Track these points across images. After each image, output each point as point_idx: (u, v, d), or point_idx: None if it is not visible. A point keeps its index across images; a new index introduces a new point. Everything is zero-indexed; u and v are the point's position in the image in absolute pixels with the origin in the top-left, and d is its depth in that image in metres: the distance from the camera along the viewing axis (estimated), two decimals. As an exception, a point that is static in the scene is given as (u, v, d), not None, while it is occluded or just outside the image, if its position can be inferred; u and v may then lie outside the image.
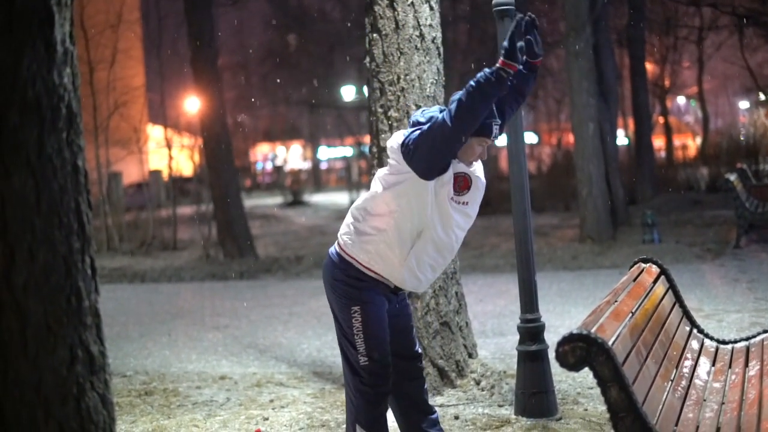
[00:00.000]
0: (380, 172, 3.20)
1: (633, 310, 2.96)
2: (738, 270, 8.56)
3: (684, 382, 3.11)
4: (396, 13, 4.60)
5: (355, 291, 3.16)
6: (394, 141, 3.11)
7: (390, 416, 3.36)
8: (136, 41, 23.18)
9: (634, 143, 21.50)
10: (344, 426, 3.45)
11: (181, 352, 6.53)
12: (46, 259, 1.82)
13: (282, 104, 30.57)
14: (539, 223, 14.18)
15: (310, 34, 24.39)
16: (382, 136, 4.65)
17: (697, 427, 2.77)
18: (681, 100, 42.55)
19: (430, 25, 4.67)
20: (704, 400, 3.07)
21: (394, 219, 3.09)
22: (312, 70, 26.28)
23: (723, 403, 3.03)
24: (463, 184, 3.10)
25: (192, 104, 20.64)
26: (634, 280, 3.42)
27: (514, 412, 4.31)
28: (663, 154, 28.27)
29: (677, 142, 33.38)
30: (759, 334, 3.80)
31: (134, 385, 5.50)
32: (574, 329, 2.34)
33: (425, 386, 3.41)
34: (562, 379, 4.83)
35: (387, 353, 3.19)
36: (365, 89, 5.18)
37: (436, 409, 3.53)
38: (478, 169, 3.19)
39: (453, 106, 2.95)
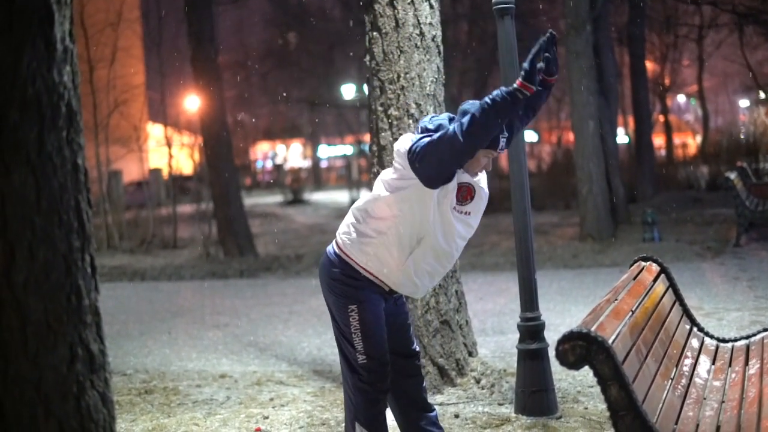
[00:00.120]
0: (384, 174, 3.18)
1: (633, 309, 2.96)
2: (738, 268, 8.56)
3: (684, 381, 3.11)
4: (396, 11, 4.59)
5: (352, 290, 3.16)
6: (401, 145, 3.08)
7: (389, 415, 3.36)
8: (136, 39, 23.14)
9: (634, 142, 21.49)
10: (344, 424, 3.45)
11: (182, 351, 6.53)
12: (46, 257, 1.82)
13: (282, 102, 30.53)
14: (539, 222, 14.18)
15: (310, 33, 24.39)
16: (382, 134, 4.65)
17: (697, 426, 2.77)
18: (681, 98, 42.52)
19: (430, 24, 4.67)
20: (704, 399, 3.07)
21: (395, 223, 3.08)
22: (312, 68, 26.29)
23: (723, 402, 3.03)
24: (466, 194, 3.10)
25: (192, 103, 20.61)
26: (635, 278, 3.42)
27: (514, 410, 4.31)
28: (663, 152, 28.25)
29: (677, 140, 33.33)
30: (759, 332, 3.80)
31: (134, 383, 5.51)
32: (574, 328, 2.34)
33: (424, 384, 3.41)
34: (562, 377, 4.83)
35: (385, 351, 3.19)
36: (365, 87, 5.17)
37: (436, 407, 3.53)
38: (482, 179, 3.18)
39: (465, 120, 2.91)
